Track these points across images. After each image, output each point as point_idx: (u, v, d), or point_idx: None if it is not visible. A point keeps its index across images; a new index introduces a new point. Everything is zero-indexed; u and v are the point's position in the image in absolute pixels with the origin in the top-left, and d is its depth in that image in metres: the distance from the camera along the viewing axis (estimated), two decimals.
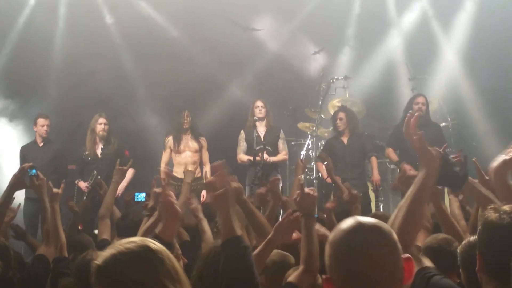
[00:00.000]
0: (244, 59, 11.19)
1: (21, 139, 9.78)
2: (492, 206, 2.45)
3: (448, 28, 11.33)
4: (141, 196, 6.51)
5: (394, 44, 11.42)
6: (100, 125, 8.56)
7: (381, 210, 8.53)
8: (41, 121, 8.75)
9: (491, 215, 2.39)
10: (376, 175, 8.54)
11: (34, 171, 4.60)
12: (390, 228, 1.92)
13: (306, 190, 3.43)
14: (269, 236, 3.47)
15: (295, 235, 3.52)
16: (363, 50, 11.35)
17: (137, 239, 2.01)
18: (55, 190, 4.54)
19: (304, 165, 7.08)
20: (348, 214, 5.22)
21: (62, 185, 4.79)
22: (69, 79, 10.77)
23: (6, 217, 5.11)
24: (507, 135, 10.39)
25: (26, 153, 8.76)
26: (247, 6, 11.09)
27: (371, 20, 11.31)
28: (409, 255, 1.90)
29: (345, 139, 8.69)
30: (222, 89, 11.30)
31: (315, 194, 3.44)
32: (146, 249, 1.96)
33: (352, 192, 5.34)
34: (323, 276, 1.91)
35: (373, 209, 8.18)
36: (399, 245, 1.87)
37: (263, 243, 3.47)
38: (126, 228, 5.20)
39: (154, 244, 1.98)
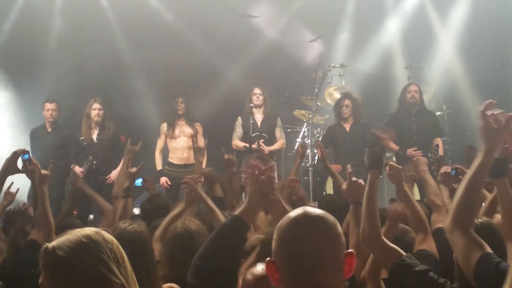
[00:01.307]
0: (240, 46, 11.18)
1: (13, 126, 9.77)
2: None
3: (445, 17, 11.32)
4: (137, 182, 6.54)
5: (390, 32, 11.41)
6: (95, 110, 8.54)
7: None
8: (47, 105, 8.71)
9: None
10: None
11: (27, 156, 4.59)
12: (335, 220, 1.98)
13: (354, 178, 3.59)
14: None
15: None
16: (359, 38, 11.35)
17: (90, 229, 2.09)
18: (43, 171, 4.51)
19: (304, 151, 7.12)
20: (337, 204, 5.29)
21: (50, 166, 4.75)
22: (66, 65, 10.73)
23: (4, 201, 5.13)
24: None
25: (36, 137, 8.74)
26: None
27: (368, 8, 11.29)
28: (352, 251, 1.96)
29: (347, 126, 8.67)
30: (219, 75, 11.29)
31: (362, 182, 3.58)
32: (96, 237, 2.04)
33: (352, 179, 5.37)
34: (267, 258, 1.98)
35: None
36: (343, 238, 1.95)
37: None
38: (151, 210, 5.25)
39: (103, 234, 2.07)
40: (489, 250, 2.51)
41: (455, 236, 2.55)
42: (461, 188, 2.63)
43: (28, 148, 8.38)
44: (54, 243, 2.01)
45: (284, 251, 1.94)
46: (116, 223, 4.74)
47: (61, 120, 9.09)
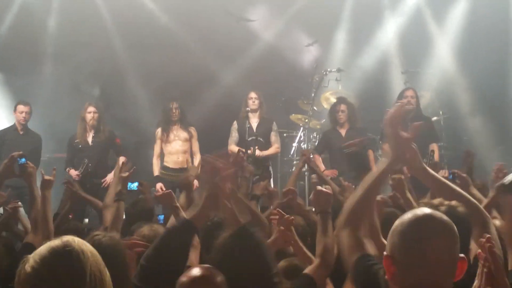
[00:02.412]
0: (237, 50, 11.17)
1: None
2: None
3: (442, 22, 11.33)
4: (133, 186, 6.51)
5: (387, 37, 11.41)
6: (90, 113, 8.51)
7: None
8: (20, 107, 8.62)
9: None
10: (373, 168, 8.52)
11: (23, 159, 4.60)
12: (453, 223, 2.08)
13: (319, 188, 3.56)
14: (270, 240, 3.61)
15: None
16: (356, 43, 11.34)
17: (62, 240, 1.94)
18: (47, 177, 4.52)
19: (308, 156, 7.08)
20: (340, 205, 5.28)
21: (54, 172, 4.77)
22: (61, 68, 10.71)
23: None
24: (499, 130, 10.45)
25: (6, 138, 8.62)
26: None
27: (364, 12, 11.29)
28: (464, 256, 2.07)
29: (343, 132, 8.64)
30: (215, 79, 11.28)
31: (330, 191, 3.57)
32: (70, 251, 1.90)
33: (343, 183, 5.38)
34: (384, 253, 2.07)
35: None
36: (459, 242, 2.05)
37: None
38: (135, 215, 5.23)
39: (80, 246, 1.92)
40: (369, 252, 2.53)
41: (343, 235, 2.60)
42: (359, 191, 2.66)
43: None
44: (32, 256, 1.89)
45: (407, 247, 2.02)
46: (109, 226, 4.74)
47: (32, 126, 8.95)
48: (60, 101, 10.34)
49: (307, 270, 3.28)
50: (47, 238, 3.98)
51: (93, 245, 3.00)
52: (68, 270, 1.87)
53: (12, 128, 8.77)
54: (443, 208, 2.68)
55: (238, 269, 2.67)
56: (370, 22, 11.36)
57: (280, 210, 3.92)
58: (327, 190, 3.53)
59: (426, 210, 2.10)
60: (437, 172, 5.47)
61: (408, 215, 2.09)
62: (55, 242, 1.91)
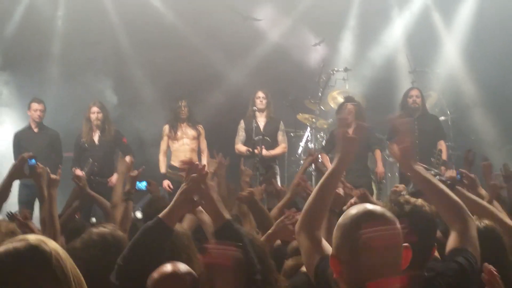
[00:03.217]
0: (244, 49, 11.18)
1: (16, 124, 9.76)
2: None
3: (449, 21, 11.30)
4: (142, 185, 6.51)
5: (394, 36, 11.39)
6: (94, 114, 8.52)
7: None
8: (34, 105, 8.66)
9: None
10: (380, 168, 8.52)
11: (33, 160, 4.60)
12: (394, 217, 2.11)
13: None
14: (269, 231, 3.52)
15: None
16: (363, 42, 11.33)
17: (29, 238, 1.77)
18: (53, 176, 4.52)
19: (315, 157, 7.04)
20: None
21: (59, 171, 4.77)
22: (68, 67, 10.74)
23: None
24: (506, 130, 10.41)
25: (21, 139, 8.69)
26: None
27: (372, 12, 11.28)
28: (407, 244, 2.07)
29: (350, 131, 8.57)
30: (222, 78, 11.28)
31: (340, 192, 3.64)
32: (34, 250, 1.73)
33: (346, 185, 5.34)
34: (331, 253, 2.10)
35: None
36: (401, 234, 2.07)
37: (263, 237, 3.53)
38: (153, 214, 5.20)
39: (46, 245, 1.75)
40: (328, 253, 2.50)
41: (301, 238, 2.61)
42: (313, 193, 2.68)
43: (11, 151, 8.45)
44: None
45: (349, 246, 2.04)
46: (118, 226, 4.74)
47: (47, 123, 9.01)
48: (67, 100, 10.36)
49: (304, 268, 3.23)
50: (54, 237, 4.00)
51: (97, 235, 3.00)
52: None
53: (27, 128, 8.83)
54: (408, 207, 2.69)
55: None
56: (377, 21, 11.34)
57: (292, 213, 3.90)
58: (337, 191, 3.47)
59: (365, 207, 2.11)
60: (446, 171, 5.47)
61: (348, 213, 2.10)
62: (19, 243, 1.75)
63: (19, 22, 10.82)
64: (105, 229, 3.20)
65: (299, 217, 2.67)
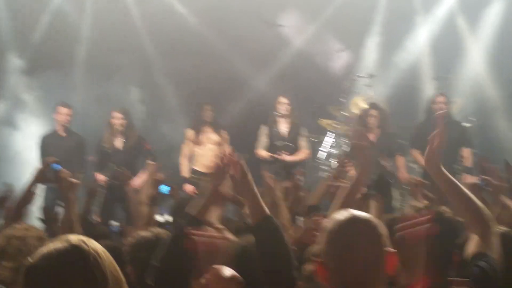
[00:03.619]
0: (268, 55, 11.19)
1: (39, 128, 9.88)
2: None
3: (474, 27, 11.20)
4: (165, 189, 6.54)
5: (419, 42, 11.32)
6: (118, 120, 8.59)
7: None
8: (62, 109, 8.74)
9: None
10: (403, 174, 8.46)
11: (58, 165, 4.62)
12: (379, 221, 2.13)
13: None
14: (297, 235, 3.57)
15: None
16: (387, 48, 11.28)
17: (71, 238, 1.81)
18: (72, 180, 4.53)
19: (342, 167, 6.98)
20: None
21: (79, 175, 4.78)
22: (95, 74, 10.85)
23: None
24: None
25: (47, 143, 8.76)
26: (272, 1, 11.10)
27: (396, 18, 11.23)
28: (392, 250, 2.09)
29: (373, 137, 8.58)
30: (246, 84, 11.31)
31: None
32: (77, 250, 1.76)
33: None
34: (316, 260, 2.11)
35: None
36: (384, 239, 2.08)
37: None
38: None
39: (87, 245, 1.79)
40: None
41: None
42: (339, 201, 2.76)
43: (37, 155, 8.53)
44: (35, 259, 1.76)
45: (333, 254, 2.06)
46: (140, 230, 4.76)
47: (74, 128, 9.10)
48: (91, 106, 10.47)
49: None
50: None
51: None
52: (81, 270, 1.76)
53: (53, 132, 8.91)
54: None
55: (261, 257, 2.71)
56: (401, 27, 11.28)
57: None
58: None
59: (349, 213, 2.11)
60: (469, 178, 5.43)
61: (333, 220, 2.12)
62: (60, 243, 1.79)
63: (46, 28, 10.94)
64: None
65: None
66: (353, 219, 2.08)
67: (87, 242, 1.80)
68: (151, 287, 2.67)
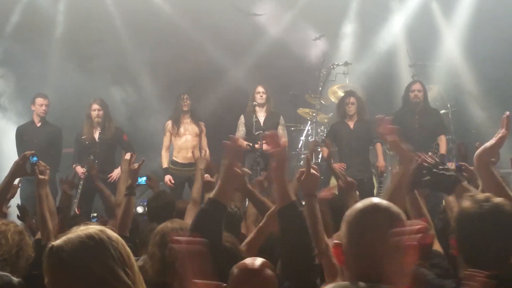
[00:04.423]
0: (244, 44, 11.17)
1: (19, 121, 9.79)
2: (468, 195, 2.58)
3: (449, 14, 11.27)
4: (142, 180, 6.54)
5: (395, 30, 11.37)
6: (94, 111, 8.57)
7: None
8: (39, 100, 8.74)
9: (467, 204, 2.59)
10: (381, 162, 8.55)
11: (35, 158, 4.61)
12: (400, 211, 2.11)
13: (312, 171, 3.39)
14: (260, 224, 3.53)
15: None
16: (363, 36, 11.32)
17: (94, 227, 2.04)
18: (40, 176, 4.49)
19: (313, 148, 7.04)
20: (343, 202, 5.25)
21: (48, 171, 4.74)
22: (70, 64, 10.75)
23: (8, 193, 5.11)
24: None
25: (23, 133, 8.78)
26: None
27: (372, 5, 11.27)
28: (413, 242, 2.01)
29: (351, 124, 8.64)
30: (223, 74, 11.29)
31: (317, 174, 3.43)
32: (101, 236, 2.00)
33: (347, 179, 5.31)
34: (334, 241, 2.12)
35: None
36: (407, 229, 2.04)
37: (255, 230, 3.55)
38: (158, 208, 5.23)
39: (107, 232, 2.03)
40: None
41: None
42: (386, 197, 2.71)
43: (14, 145, 8.51)
44: (58, 242, 1.98)
45: (351, 239, 2.06)
46: (119, 221, 4.75)
47: (50, 119, 9.08)
48: (69, 97, 10.39)
49: None
50: (47, 237, 4.00)
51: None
52: (98, 258, 1.96)
53: (29, 122, 8.92)
54: (487, 204, 2.62)
55: (287, 243, 2.77)
56: (377, 15, 11.33)
57: None
58: (315, 172, 3.38)
59: (372, 201, 2.11)
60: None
61: (356, 206, 2.12)
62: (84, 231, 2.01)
63: (20, 18, 10.83)
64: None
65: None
66: (375, 208, 2.08)
67: (106, 231, 2.02)
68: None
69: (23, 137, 8.70)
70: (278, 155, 2.87)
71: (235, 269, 2.53)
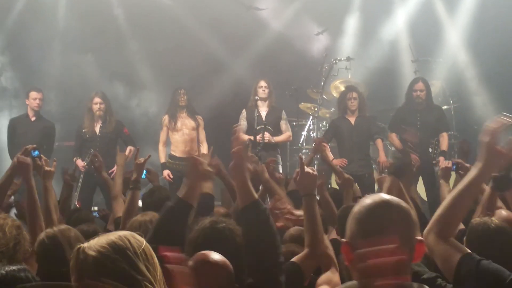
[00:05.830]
0: (246, 39, 11.15)
1: (12, 112, 9.81)
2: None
3: (452, 10, 11.24)
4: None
5: (397, 25, 11.35)
6: (96, 104, 8.54)
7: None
8: (33, 94, 8.66)
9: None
10: (382, 157, 8.51)
11: (37, 152, 4.61)
12: (410, 207, 2.08)
13: (306, 169, 3.36)
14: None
15: (280, 223, 3.61)
16: (366, 31, 11.29)
17: (123, 232, 2.09)
18: (47, 168, 4.51)
19: (319, 145, 7.00)
20: (341, 197, 5.25)
21: (55, 163, 4.76)
22: (71, 56, 10.75)
23: (9, 190, 5.10)
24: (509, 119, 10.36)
25: (16, 126, 8.73)
26: None
27: (375, 0, 11.24)
28: (421, 238, 2.06)
29: (352, 120, 8.60)
30: (224, 68, 11.27)
31: (315, 173, 3.39)
32: (129, 238, 2.04)
33: (345, 176, 5.31)
34: (343, 240, 2.07)
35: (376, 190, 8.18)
36: (417, 225, 2.04)
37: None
38: (152, 204, 5.22)
39: (133, 238, 2.06)
40: (468, 251, 2.51)
41: (434, 242, 2.52)
42: (449, 199, 2.56)
43: (5, 137, 8.54)
44: (86, 244, 2.02)
45: (364, 236, 2.00)
46: (123, 216, 4.73)
47: (44, 113, 9.05)
48: (70, 90, 10.38)
49: (295, 258, 3.22)
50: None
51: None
52: (124, 259, 1.99)
53: (24, 116, 8.86)
54: (493, 226, 2.72)
55: (247, 241, 2.76)
56: (380, 10, 11.30)
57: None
58: (313, 172, 3.36)
59: (382, 197, 2.08)
60: (442, 162, 5.50)
61: (365, 202, 2.07)
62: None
63: (21, 9, 10.81)
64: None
65: (432, 220, 2.57)
66: (386, 204, 2.05)
67: (135, 236, 2.07)
68: None
69: (16, 130, 8.66)
70: (236, 153, 2.85)
71: (194, 259, 2.54)
